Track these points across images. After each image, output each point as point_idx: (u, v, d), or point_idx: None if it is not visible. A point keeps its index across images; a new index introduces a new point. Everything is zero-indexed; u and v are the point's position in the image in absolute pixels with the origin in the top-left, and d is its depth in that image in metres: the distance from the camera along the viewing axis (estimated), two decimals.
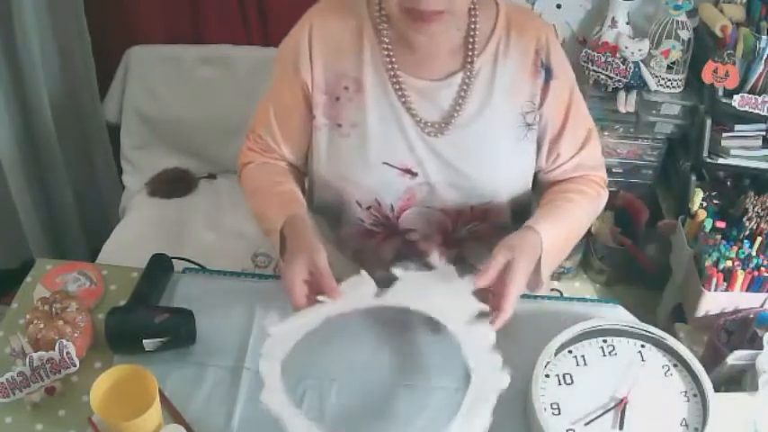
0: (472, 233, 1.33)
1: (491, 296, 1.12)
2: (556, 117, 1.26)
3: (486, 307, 1.12)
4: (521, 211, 1.34)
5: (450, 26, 1.16)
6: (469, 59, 1.21)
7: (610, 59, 2.06)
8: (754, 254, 1.77)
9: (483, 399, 1.01)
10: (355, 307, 1.14)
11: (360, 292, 1.15)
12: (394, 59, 1.20)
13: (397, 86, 1.21)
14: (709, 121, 1.98)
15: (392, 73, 1.21)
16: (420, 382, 1.13)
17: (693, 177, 2.07)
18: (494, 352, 1.07)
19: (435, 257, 1.26)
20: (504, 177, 1.27)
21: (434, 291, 1.15)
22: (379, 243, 1.34)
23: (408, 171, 1.24)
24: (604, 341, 1.15)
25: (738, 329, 1.62)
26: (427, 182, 1.25)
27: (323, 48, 1.21)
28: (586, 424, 1.05)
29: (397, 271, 1.17)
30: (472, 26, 1.21)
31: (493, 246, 1.29)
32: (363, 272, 1.18)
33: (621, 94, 2.10)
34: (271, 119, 1.29)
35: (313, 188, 1.35)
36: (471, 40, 1.21)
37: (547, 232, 1.18)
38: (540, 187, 1.35)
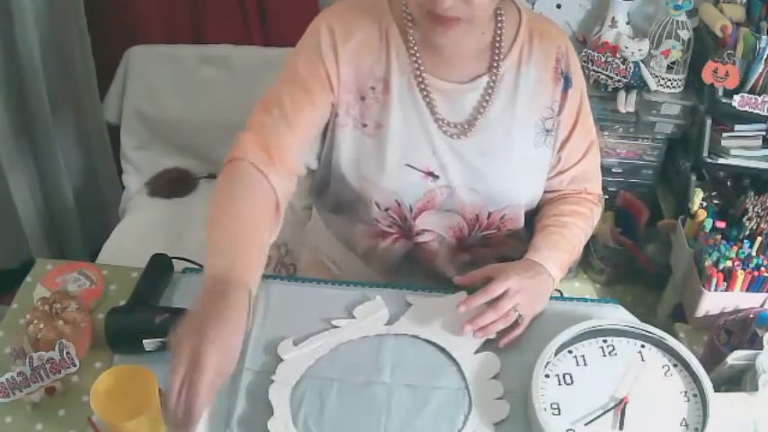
0: (485, 239, 1.33)
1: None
2: (567, 123, 1.28)
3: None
4: (531, 216, 1.34)
5: (472, 32, 1.16)
6: (495, 63, 1.22)
7: (610, 59, 2.06)
8: (754, 254, 1.77)
9: (482, 429, 1.06)
10: (366, 334, 1.19)
11: (372, 318, 1.21)
12: (420, 61, 1.20)
13: (423, 87, 1.21)
14: (709, 121, 1.98)
15: (417, 73, 1.20)
16: (420, 382, 1.13)
17: (693, 177, 2.07)
18: (495, 381, 1.12)
19: (444, 264, 1.31)
20: (522, 182, 1.28)
21: (444, 319, 1.19)
22: (390, 244, 1.34)
23: (430, 174, 1.23)
24: (604, 341, 1.15)
25: (738, 329, 1.62)
26: (448, 185, 1.25)
27: (348, 46, 1.20)
28: (586, 424, 1.05)
29: (410, 297, 1.24)
30: (498, 30, 1.22)
31: (504, 253, 1.34)
32: (379, 297, 1.24)
33: (621, 94, 2.10)
34: (285, 103, 1.19)
35: (329, 186, 1.32)
36: (498, 43, 1.22)
37: (548, 260, 1.22)
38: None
